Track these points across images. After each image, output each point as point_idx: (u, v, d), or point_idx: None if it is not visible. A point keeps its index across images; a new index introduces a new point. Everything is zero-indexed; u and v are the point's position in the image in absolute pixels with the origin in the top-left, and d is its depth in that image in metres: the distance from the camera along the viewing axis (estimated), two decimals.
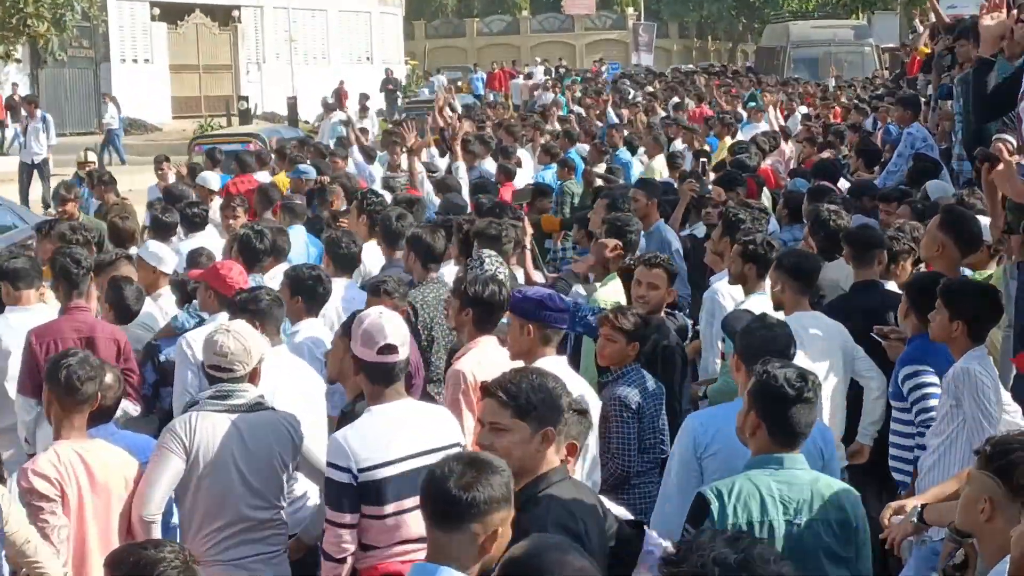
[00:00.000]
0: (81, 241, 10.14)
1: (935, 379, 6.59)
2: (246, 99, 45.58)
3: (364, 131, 20.28)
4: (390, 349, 5.71)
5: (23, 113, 27.13)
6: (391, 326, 5.75)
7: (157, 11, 46.20)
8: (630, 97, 31.23)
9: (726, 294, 8.52)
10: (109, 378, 6.25)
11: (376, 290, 8.17)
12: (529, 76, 50.32)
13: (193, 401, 6.36)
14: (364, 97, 35.89)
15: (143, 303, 8.80)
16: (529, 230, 9.93)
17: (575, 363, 8.96)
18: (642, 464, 6.99)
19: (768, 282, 7.75)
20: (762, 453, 5.00)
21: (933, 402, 6.58)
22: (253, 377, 6.24)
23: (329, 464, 5.60)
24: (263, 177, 16.24)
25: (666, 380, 7.46)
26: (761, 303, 7.66)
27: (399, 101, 44.99)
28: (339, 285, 8.98)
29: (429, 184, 13.82)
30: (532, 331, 6.47)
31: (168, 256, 9.75)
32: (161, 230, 11.33)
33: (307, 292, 8.00)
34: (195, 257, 10.00)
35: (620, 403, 6.96)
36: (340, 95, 45.98)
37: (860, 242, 8.25)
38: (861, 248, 8.20)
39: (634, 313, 7.25)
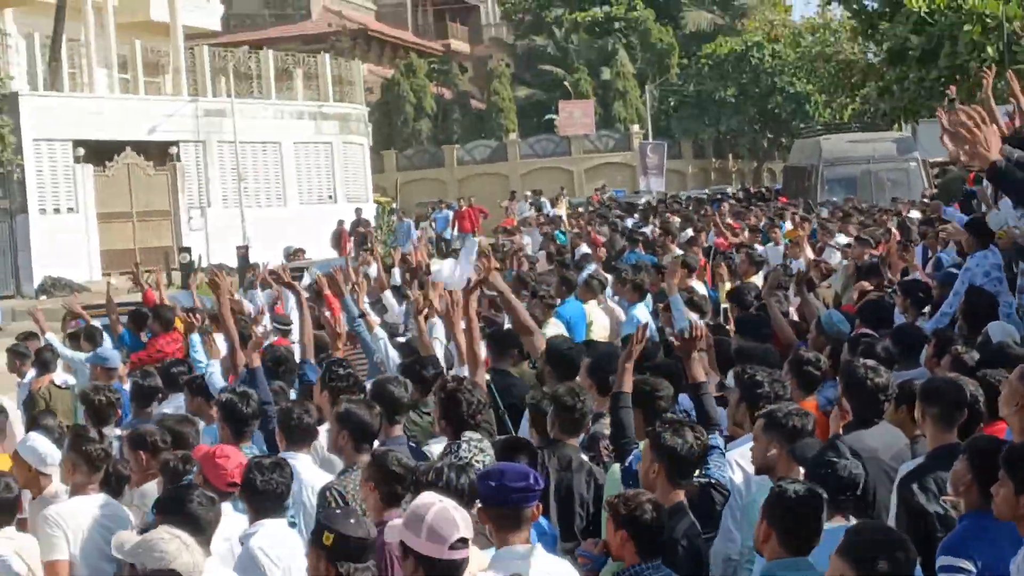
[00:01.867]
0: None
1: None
2: (188, 250, 45.76)
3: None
4: (464, 544, 5.93)
5: None
6: (461, 516, 5.94)
7: (82, 151, 46.45)
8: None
9: (736, 465, 8.54)
10: None
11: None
12: (539, 207, 50.46)
13: None
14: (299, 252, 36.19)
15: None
16: None
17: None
18: None
19: None
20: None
21: None
22: None
23: None
24: None
25: None
26: None
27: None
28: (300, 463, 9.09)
29: (393, 350, 13.83)
30: (509, 516, 6.66)
31: (53, 453, 9.82)
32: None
33: (252, 488, 8.00)
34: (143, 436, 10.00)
35: None
36: (341, 238, 46.08)
37: (945, 401, 8.03)
38: (946, 408, 8.01)
39: (636, 497, 7.23)
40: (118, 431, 11.86)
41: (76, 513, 8.98)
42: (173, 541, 6.27)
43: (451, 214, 51.44)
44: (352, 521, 6.69)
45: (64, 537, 8.79)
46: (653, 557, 7.10)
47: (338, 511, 7.05)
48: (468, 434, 8.17)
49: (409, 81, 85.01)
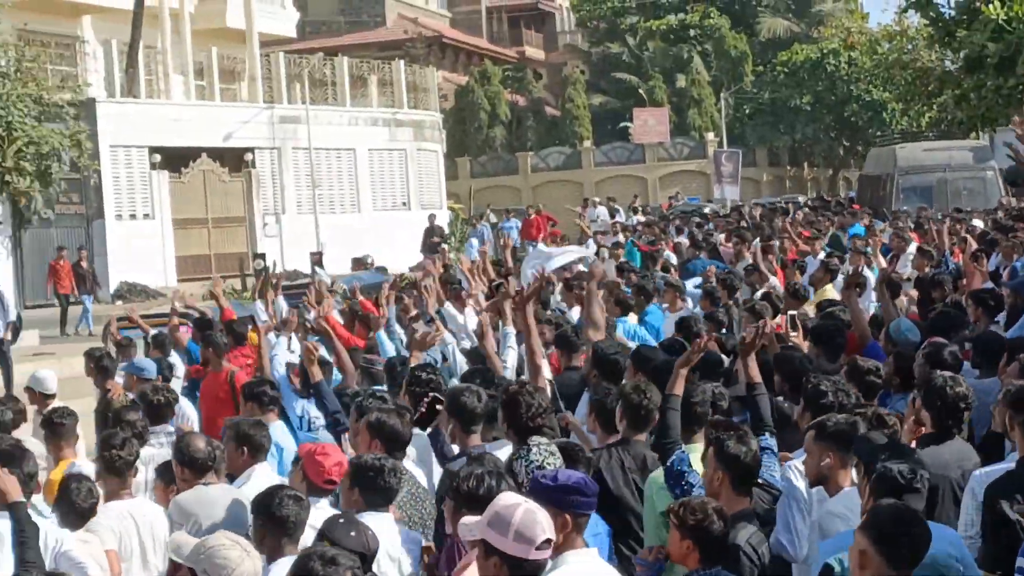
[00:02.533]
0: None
1: None
2: (263, 257, 45.93)
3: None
4: (549, 544, 6.08)
5: None
6: (544, 517, 6.08)
7: (158, 158, 46.82)
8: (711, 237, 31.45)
9: (798, 472, 8.51)
10: None
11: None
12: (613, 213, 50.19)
13: None
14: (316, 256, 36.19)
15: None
16: None
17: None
18: None
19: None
20: None
21: None
22: None
23: None
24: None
25: None
26: (848, 499, 7.82)
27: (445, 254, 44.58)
28: None
29: (461, 356, 13.86)
30: (569, 522, 6.62)
31: None
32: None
33: (368, 484, 8.15)
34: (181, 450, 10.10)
35: None
36: (431, 248, 45.77)
37: None
38: None
39: (703, 506, 7.22)
40: (171, 427, 12.10)
41: (113, 518, 9.15)
42: (234, 548, 6.40)
43: (519, 223, 50.82)
44: (352, 534, 6.85)
45: (108, 528, 9.05)
46: (715, 564, 7.15)
47: (341, 520, 7.17)
48: (536, 439, 8.22)
49: (483, 88, 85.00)
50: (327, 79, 56.71)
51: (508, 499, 6.21)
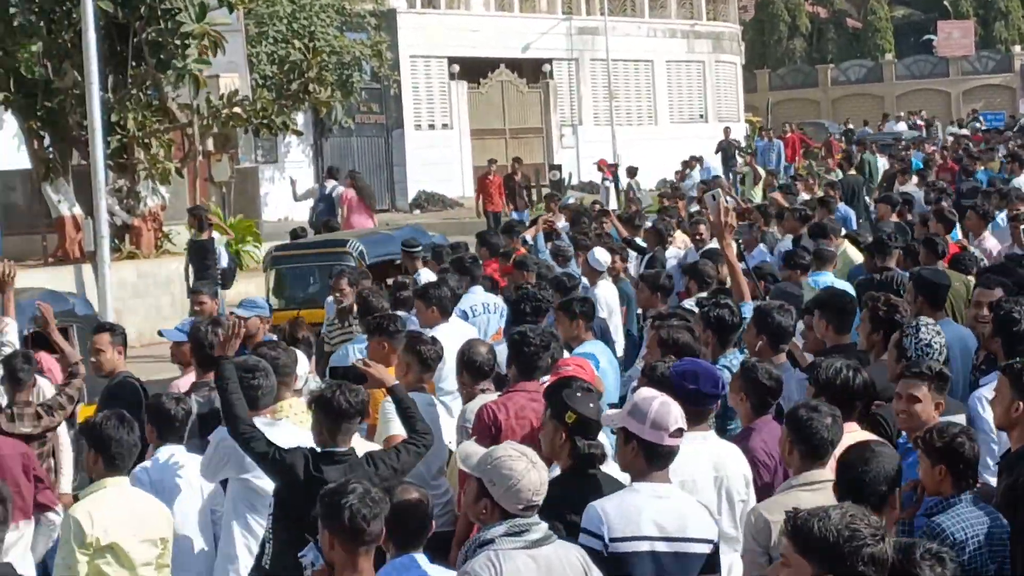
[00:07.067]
0: None
1: None
2: (559, 168, 45.61)
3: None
4: (680, 433, 6.76)
5: None
6: (677, 409, 6.79)
7: (457, 68, 46.82)
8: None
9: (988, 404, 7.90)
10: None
11: None
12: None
13: (484, 540, 6.45)
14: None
15: None
16: None
17: None
18: None
19: None
20: None
21: None
22: None
23: (581, 530, 6.56)
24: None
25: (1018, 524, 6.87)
26: None
27: (737, 167, 43.50)
28: None
29: None
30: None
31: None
32: None
33: None
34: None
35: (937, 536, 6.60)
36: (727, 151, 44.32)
37: None
38: None
39: (948, 428, 6.98)
40: None
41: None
42: (521, 459, 6.37)
43: (778, 144, 47.12)
44: (591, 405, 7.29)
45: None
46: (967, 488, 6.90)
47: (578, 394, 7.37)
48: (925, 319, 8.83)
49: None
50: None
51: (646, 393, 6.95)
